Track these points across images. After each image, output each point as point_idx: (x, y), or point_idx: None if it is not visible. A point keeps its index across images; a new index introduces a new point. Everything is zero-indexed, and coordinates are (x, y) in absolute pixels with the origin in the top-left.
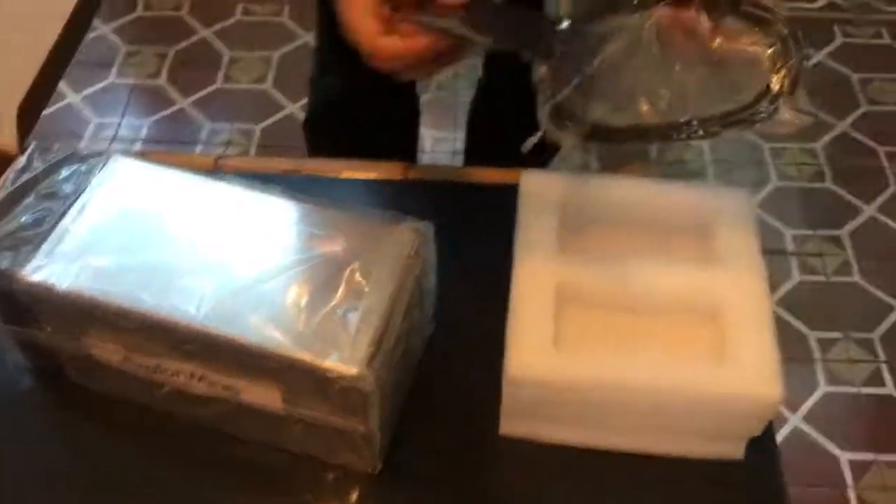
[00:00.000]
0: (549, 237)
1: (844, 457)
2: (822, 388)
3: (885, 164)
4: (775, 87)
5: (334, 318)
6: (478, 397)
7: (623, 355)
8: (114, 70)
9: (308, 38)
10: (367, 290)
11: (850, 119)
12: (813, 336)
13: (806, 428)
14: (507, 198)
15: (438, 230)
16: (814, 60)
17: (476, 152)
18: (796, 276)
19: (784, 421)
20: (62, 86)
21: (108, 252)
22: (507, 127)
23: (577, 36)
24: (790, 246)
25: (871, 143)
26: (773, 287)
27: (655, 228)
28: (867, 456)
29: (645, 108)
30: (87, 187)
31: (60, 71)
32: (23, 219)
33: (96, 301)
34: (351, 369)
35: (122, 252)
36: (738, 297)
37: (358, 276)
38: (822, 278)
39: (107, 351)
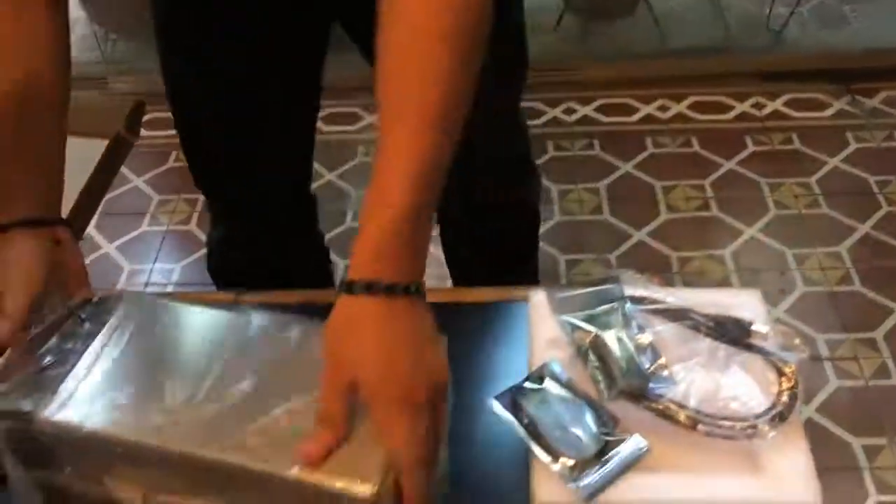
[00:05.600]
0: (563, 347)
1: None
2: (874, 498)
3: None
4: None
5: (352, 438)
6: None
7: (652, 469)
8: (146, 219)
9: (331, 176)
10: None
11: (871, 221)
12: (857, 443)
13: None
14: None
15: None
16: (829, 166)
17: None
18: (833, 382)
19: None
20: (97, 237)
21: (127, 388)
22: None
23: None
24: (824, 351)
25: None
26: (810, 394)
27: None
28: None
29: None
30: (103, 327)
31: (86, 221)
32: (43, 361)
33: (118, 438)
34: (366, 488)
35: (141, 387)
36: None
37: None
38: (860, 383)
39: (128, 491)
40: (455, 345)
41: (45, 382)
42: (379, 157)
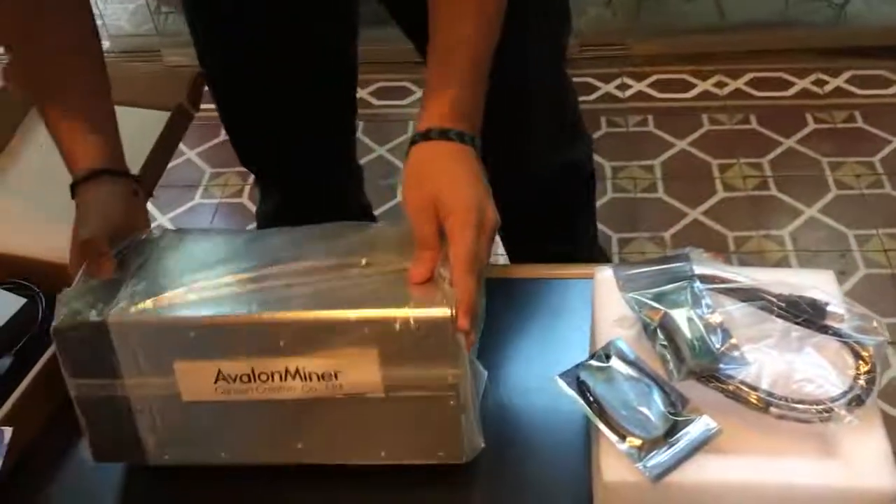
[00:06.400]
0: (628, 325)
1: None
2: None
3: None
4: None
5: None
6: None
7: (722, 451)
8: (199, 191)
9: (381, 151)
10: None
11: None
12: None
13: None
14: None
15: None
16: (893, 146)
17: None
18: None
19: None
20: (151, 208)
21: (184, 284)
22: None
23: None
24: (886, 335)
25: None
26: None
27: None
28: None
29: None
30: (149, 250)
31: (149, 192)
32: (96, 282)
33: (191, 321)
34: (444, 311)
35: (198, 281)
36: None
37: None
38: None
39: (199, 375)
40: (517, 321)
41: (102, 295)
42: (440, 37)
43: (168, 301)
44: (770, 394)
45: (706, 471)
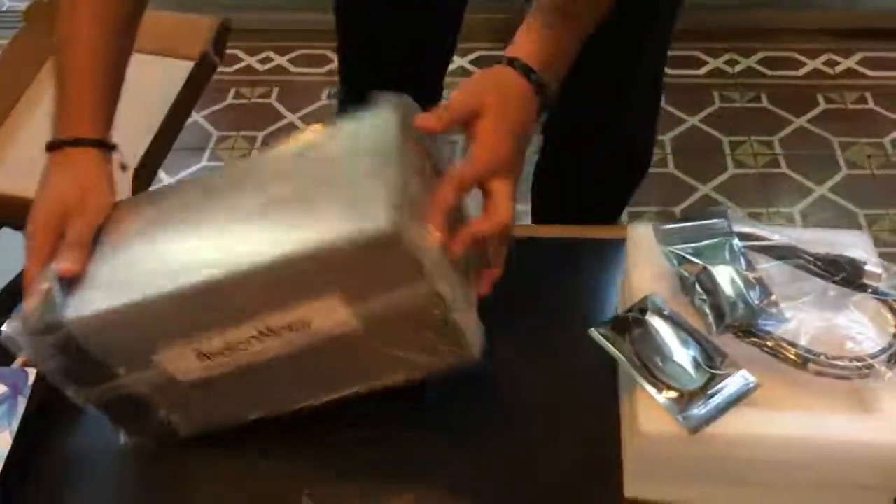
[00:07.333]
0: (662, 281)
1: None
2: None
3: None
4: None
5: (356, 197)
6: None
7: (760, 405)
8: (206, 154)
9: None
10: (368, 166)
11: None
12: None
13: None
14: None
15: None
16: None
17: (543, 212)
18: None
19: None
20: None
21: (128, 265)
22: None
23: None
24: None
25: None
26: None
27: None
28: None
29: None
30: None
31: (172, 141)
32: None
33: (151, 300)
34: (387, 226)
35: (139, 259)
36: None
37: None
38: None
39: (181, 360)
40: (546, 280)
41: (66, 292)
42: None
43: (118, 285)
44: (808, 350)
45: (744, 424)
